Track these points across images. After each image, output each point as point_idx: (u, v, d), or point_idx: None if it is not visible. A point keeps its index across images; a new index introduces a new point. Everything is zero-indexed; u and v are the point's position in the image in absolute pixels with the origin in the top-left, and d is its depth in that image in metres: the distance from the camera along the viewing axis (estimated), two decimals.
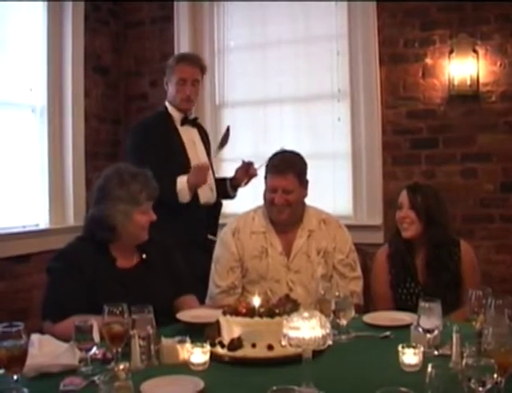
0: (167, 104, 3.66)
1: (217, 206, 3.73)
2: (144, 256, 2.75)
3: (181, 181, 3.39)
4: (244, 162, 3.71)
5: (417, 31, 4.32)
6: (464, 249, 3.04)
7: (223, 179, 3.81)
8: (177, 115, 3.63)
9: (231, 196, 3.79)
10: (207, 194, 3.57)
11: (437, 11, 4.25)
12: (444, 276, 2.97)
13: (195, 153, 3.62)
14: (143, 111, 5.08)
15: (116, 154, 5.07)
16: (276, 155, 3.06)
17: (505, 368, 1.64)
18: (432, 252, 3.00)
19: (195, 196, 3.45)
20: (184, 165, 3.48)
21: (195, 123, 3.74)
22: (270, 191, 2.97)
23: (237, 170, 3.73)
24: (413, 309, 2.81)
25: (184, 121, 3.64)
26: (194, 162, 3.51)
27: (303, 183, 3.00)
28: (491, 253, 4.12)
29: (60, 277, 2.58)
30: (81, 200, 4.58)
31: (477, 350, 1.92)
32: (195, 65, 3.65)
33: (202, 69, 3.69)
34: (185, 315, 2.54)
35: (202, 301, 2.94)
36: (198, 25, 4.99)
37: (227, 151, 4.13)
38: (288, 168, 2.93)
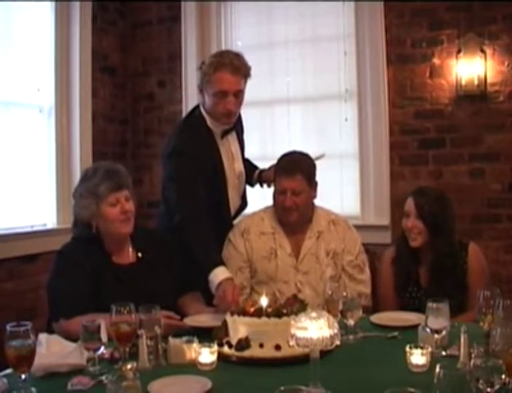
0: (204, 114, 3.05)
1: (242, 208, 3.40)
2: (140, 255, 2.77)
3: (215, 275, 2.68)
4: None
5: (425, 31, 4.30)
6: (471, 253, 3.00)
7: (254, 166, 3.42)
8: (217, 130, 3.08)
9: (251, 185, 3.45)
10: (236, 203, 3.28)
11: (444, 11, 4.24)
12: (447, 284, 2.93)
13: (232, 167, 3.18)
14: (151, 111, 5.11)
15: (124, 154, 5.08)
16: (284, 156, 3.06)
17: None
18: (436, 261, 2.98)
19: (226, 206, 3.18)
20: (219, 181, 3.10)
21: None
22: (279, 192, 2.96)
23: (271, 167, 3.22)
24: (416, 311, 2.82)
25: (224, 134, 3.11)
26: (230, 177, 3.14)
27: (312, 184, 2.99)
28: (499, 253, 4.11)
29: (64, 276, 2.59)
30: None
31: (485, 351, 1.93)
32: (238, 73, 2.93)
33: (246, 76, 2.99)
34: (193, 321, 2.56)
35: None
36: (205, 25, 4.99)
37: None
38: (297, 169, 2.92)
